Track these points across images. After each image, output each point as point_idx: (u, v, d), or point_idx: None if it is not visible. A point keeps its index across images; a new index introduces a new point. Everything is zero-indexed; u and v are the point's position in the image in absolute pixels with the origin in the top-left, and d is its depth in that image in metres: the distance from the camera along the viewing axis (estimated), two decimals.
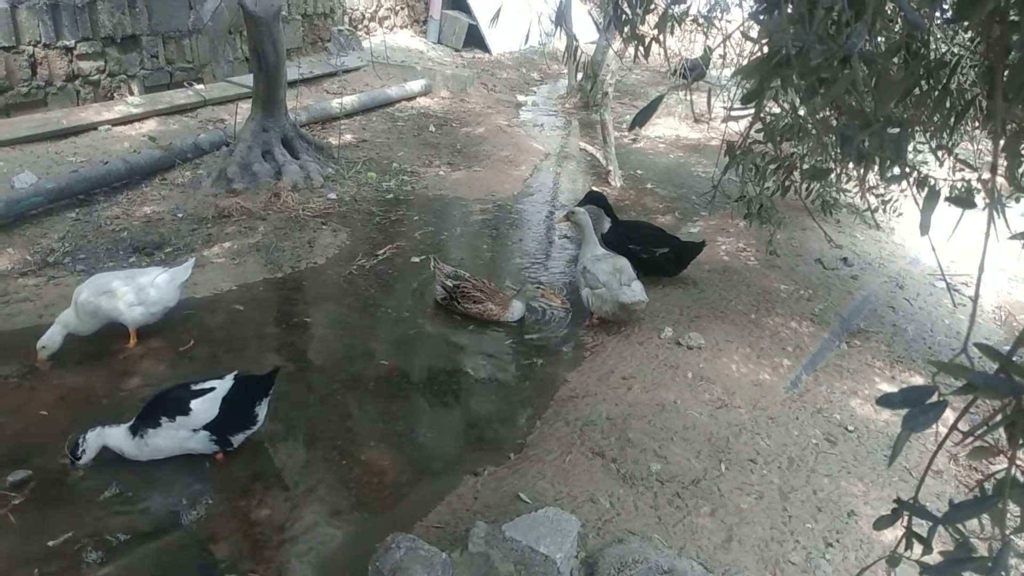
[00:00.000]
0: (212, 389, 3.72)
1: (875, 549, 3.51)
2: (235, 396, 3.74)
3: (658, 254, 5.98)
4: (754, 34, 2.11)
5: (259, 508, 3.58)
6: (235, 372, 3.85)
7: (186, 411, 3.62)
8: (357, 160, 8.37)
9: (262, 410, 3.86)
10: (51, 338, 4.32)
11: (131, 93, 8.89)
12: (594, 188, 8.46)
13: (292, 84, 8.92)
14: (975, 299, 1.28)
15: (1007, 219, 1.65)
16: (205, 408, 3.66)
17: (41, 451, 3.75)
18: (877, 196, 7.49)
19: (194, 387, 3.74)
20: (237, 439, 3.81)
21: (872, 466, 4.13)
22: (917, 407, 1.14)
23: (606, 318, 5.37)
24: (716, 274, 6.37)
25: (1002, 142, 2.03)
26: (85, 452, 3.53)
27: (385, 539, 3.10)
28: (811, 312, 5.85)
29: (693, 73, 13.33)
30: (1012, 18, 1.24)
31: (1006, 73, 1.27)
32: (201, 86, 9.54)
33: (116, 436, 3.60)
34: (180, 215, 6.54)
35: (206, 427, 3.66)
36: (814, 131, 2.06)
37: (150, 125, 8.39)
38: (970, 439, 1.31)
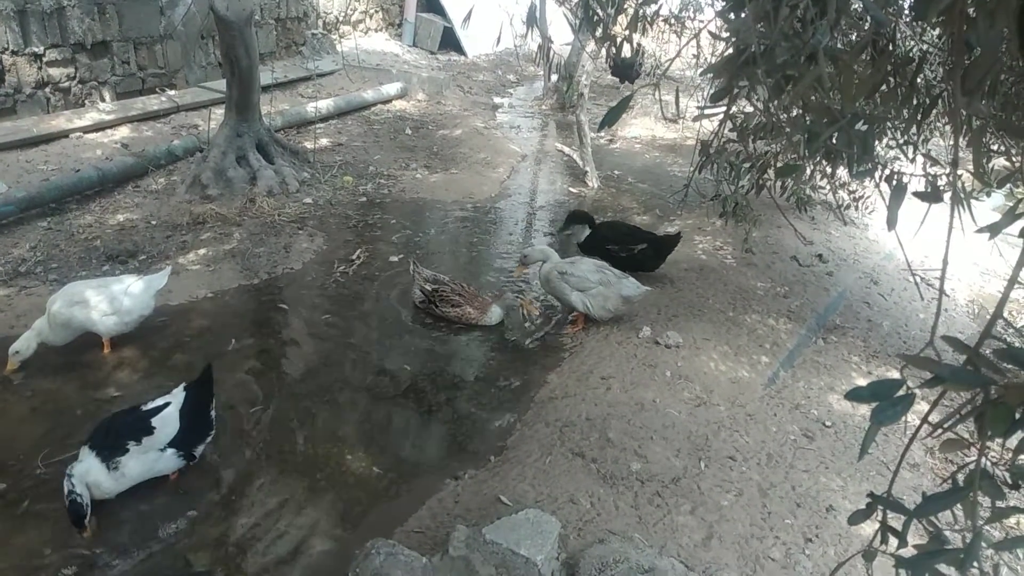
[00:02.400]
0: (167, 404, 3.60)
1: (854, 543, 3.54)
2: (190, 406, 3.65)
3: (636, 251, 6.00)
4: (723, 33, 2.12)
5: (238, 516, 3.55)
6: (183, 383, 3.75)
7: (150, 430, 3.47)
8: (333, 164, 8.32)
9: (214, 415, 3.80)
10: (25, 343, 4.26)
11: (103, 100, 8.78)
12: (571, 192, 8.49)
13: (266, 89, 8.85)
14: (940, 293, 1.29)
15: (972, 214, 1.67)
16: (167, 424, 3.54)
17: (14, 463, 3.69)
18: (850, 193, 7.57)
19: (145, 407, 3.59)
20: (199, 450, 3.72)
21: (850, 461, 4.17)
22: (886, 400, 1.15)
23: (602, 317, 5.36)
24: (693, 272, 6.40)
25: (967, 137, 2.06)
26: (84, 504, 3.22)
27: (365, 545, 3.08)
28: (787, 309, 5.90)
29: (623, 72, 13.54)
30: (971, 14, 1.26)
31: (967, 69, 1.29)
32: (174, 92, 9.45)
33: (92, 471, 3.33)
34: (154, 222, 6.47)
35: (170, 443, 3.55)
36: (785, 129, 2.07)
37: (122, 132, 8.29)
38: (940, 432, 1.32)
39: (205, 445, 3.77)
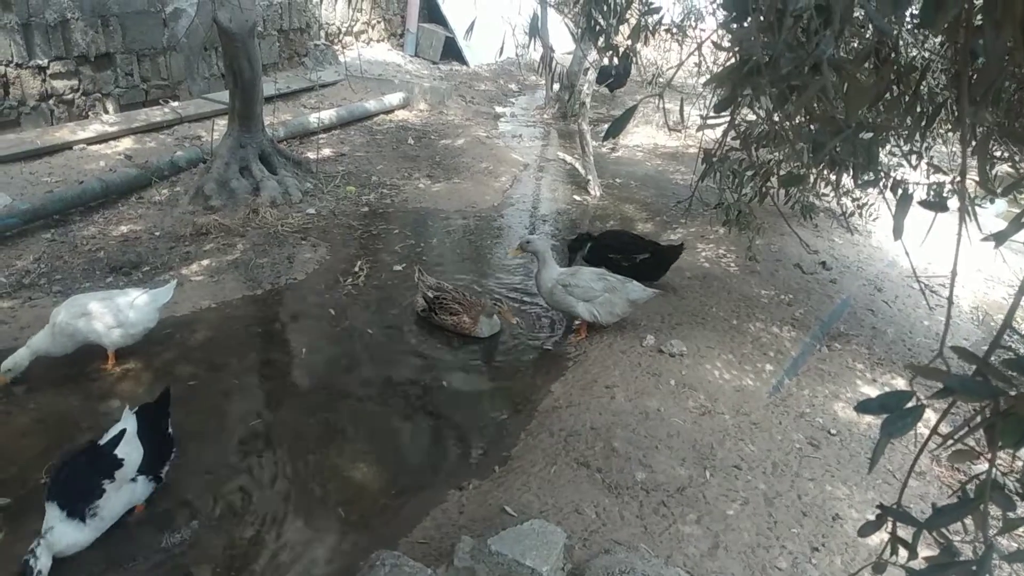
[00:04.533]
0: (123, 432, 3.44)
1: (861, 552, 3.52)
2: (145, 428, 3.52)
3: (639, 260, 6.00)
4: (726, 43, 2.13)
5: (242, 528, 3.54)
6: (131, 407, 3.64)
7: (119, 463, 3.32)
8: (336, 174, 8.34)
9: (172, 433, 3.72)
10: (16, 360, 4.26)
11: (106, 111, 8.82)
12: (573, 200, 8.49)
13: (269, 99, 8.88)
14: (949, 302, 1.29)
15: (978, 221, 1.67)
16: (132, 451, 3.40)
17: (18, 477, 3.69)
18: (853, 200, 7.56)
19: (102, 442, 3.43)
20: (164, 471, 3.62)
21: (856, 469, 4.15)
22: (896, 412, 1.14)
23: (609, 323, 5.36)
24: (697, 281, 6.39)
25: (972, 145, 2.05)
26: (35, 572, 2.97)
27: (370, 556, 3.07)
28: (791, 317, 5.88)
29: (608, 81, 13.68)
30: (977, 23, 1.25)
31: (973, 77, 1.29)
32: (177, 103, 9.48)
33: (64, 536, 3.13)
34: (157, 233, 6.48)
35: (140, 471, 3.43)
36: (788, 138, 2.07)
37: (126, 143, 8.32)
38: (950, 443, 1.31)
39: (169, 464, 3.67)
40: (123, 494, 3.38)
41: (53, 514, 3.14)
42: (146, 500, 3.57)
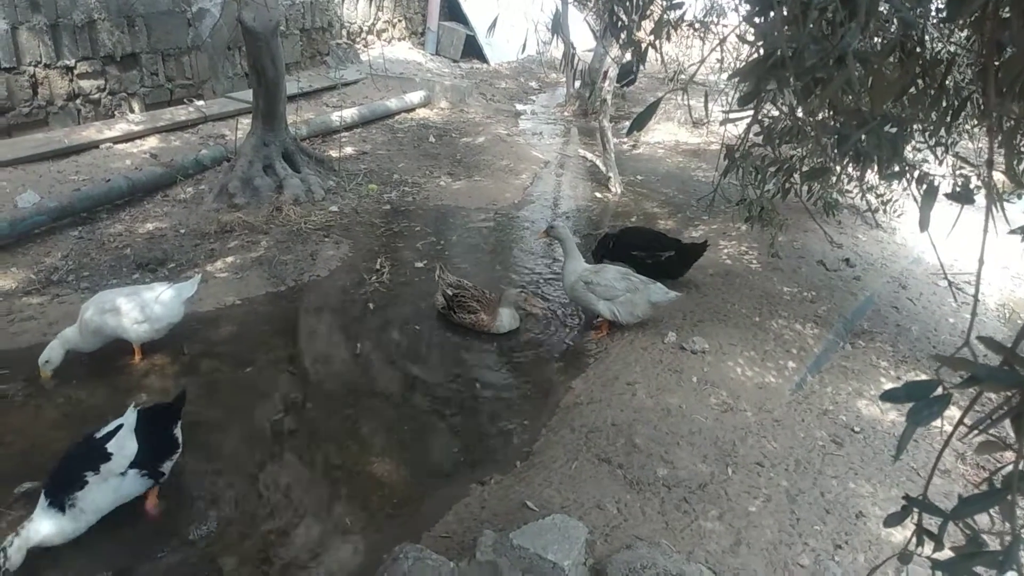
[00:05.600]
0: (119, 427, 3.42)
1: (884, 550, 3.50)
2: (147, 425, 3.49)
3: (664, 258, 5.99)
4: (750, 37, 2.12)
5: (265, 520, 3.58)
6: (134, 405, 3.60)
7: (106, 456, 3.30)
8: (358, 172, 8.39)
9: (179, 434, 3.67)
10: (52, 352, 4.33)
11: (132, 111, 8.93)
12: (594, 197, 8.48)
13: (292, 98, 8.95)
14: (975, 292, 1.28)
15: (1006, 215, 1.66)
16: (123, 445, 3.37)
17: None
18: (878, 196, 7.49)
19: (97, 435, 3.41)
20: (166, 467, 3.58)
21: (879, 467, 4.12)
22: (922, 401, 1.14)
23: (629, 323, 5.36)
24: (719, 278, 6.37)
25: (999, 138, 2.04)
26: (8, 565, 3.02)
27: (393, 549, 3.10)
28: (815, 314, 5.85)
29: (628, 79, 13.69)
30: (1004, 15, 1.25)
31: (999, 69, 1.28)
32: (201, 102, 9.58)
33: (42, 527, 3.14)
34: (183, 231, 6.56)
35: (132, 465, 3.39)
36: (812, 132, 2.07)
37: (151, 142, 8.42)
38: (977, 433, 1.31)
39: (173, 462, 3.62)
40: (109, 487, 3.32)
41: (40, 507, 3.18)
42: (159, 497, 3.59)
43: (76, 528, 3.23)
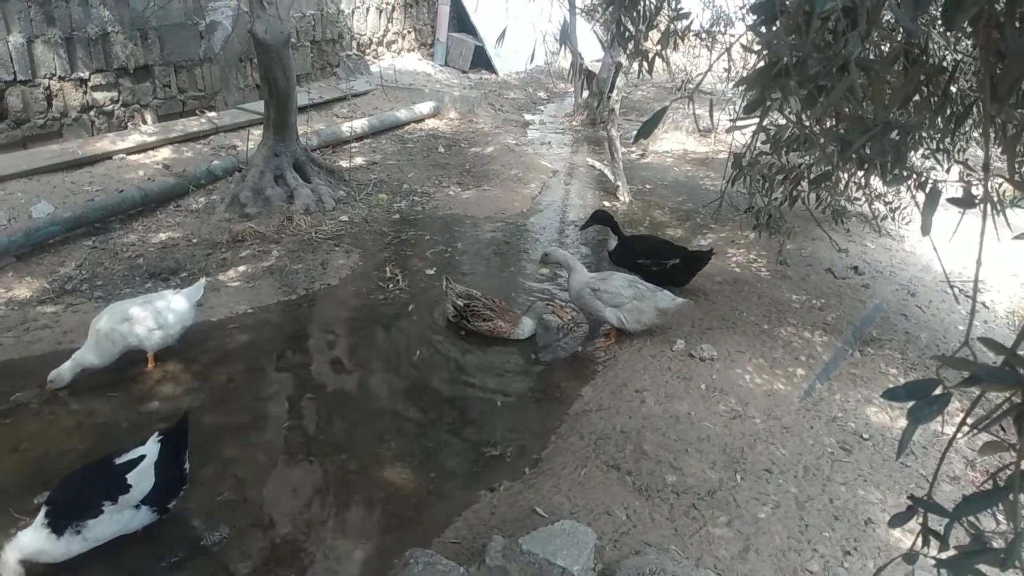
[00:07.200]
0: (142, 458, 3.32)
1: (893, 556, 3.49)
2: (165, 458, 3.40)
3: (669, 265, 6.01)
4: (755, 47, 2.16)
5: (277, 526, 3.62)
6: (157, 434, 3.47)
7: (126, 488, 3.22)
8: (368, 182, 8.45)
9: (187, 467, 3.57)
10: (60, 374, 4.37)
11: (144, 122, 9.03)
12: (603, 206, 8.51)
13: (302, 109, 9.03)
14: (974, 292, 1.31)
15: (1008, 220, 1.68)
16: (143, 480, 3.28)
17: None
18: (886, 204, 7.49)
19: (119, 460, 3.30)
20: (172, 503, 3.50)
21: (888, 473, 4.12)
22: (922, 399, 1.16)
23: (636, 330, 5.38)
24: (727, 285, 6.38)
25: (1001, 144, 2.06)
26: None
27: (404, 555, 3.13)
28: (823, 321, 5.85)
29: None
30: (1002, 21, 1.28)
31: (997, 75, 1.31)
32: (213, 113, 9.68)
33: (36, 541, 3.05)
34: (195, 240, 6.63)
35: (144, 500, 3.31)
36: (818, 140, 2.09)
37: (164, 153, 8.52)
38: (978, 433, 1.33)
39: (177, 499, 3.54)
40: (119, 519, 3.26)
41: (38, 520, 3.10)
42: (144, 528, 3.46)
43: (65, 553, 3.12)
